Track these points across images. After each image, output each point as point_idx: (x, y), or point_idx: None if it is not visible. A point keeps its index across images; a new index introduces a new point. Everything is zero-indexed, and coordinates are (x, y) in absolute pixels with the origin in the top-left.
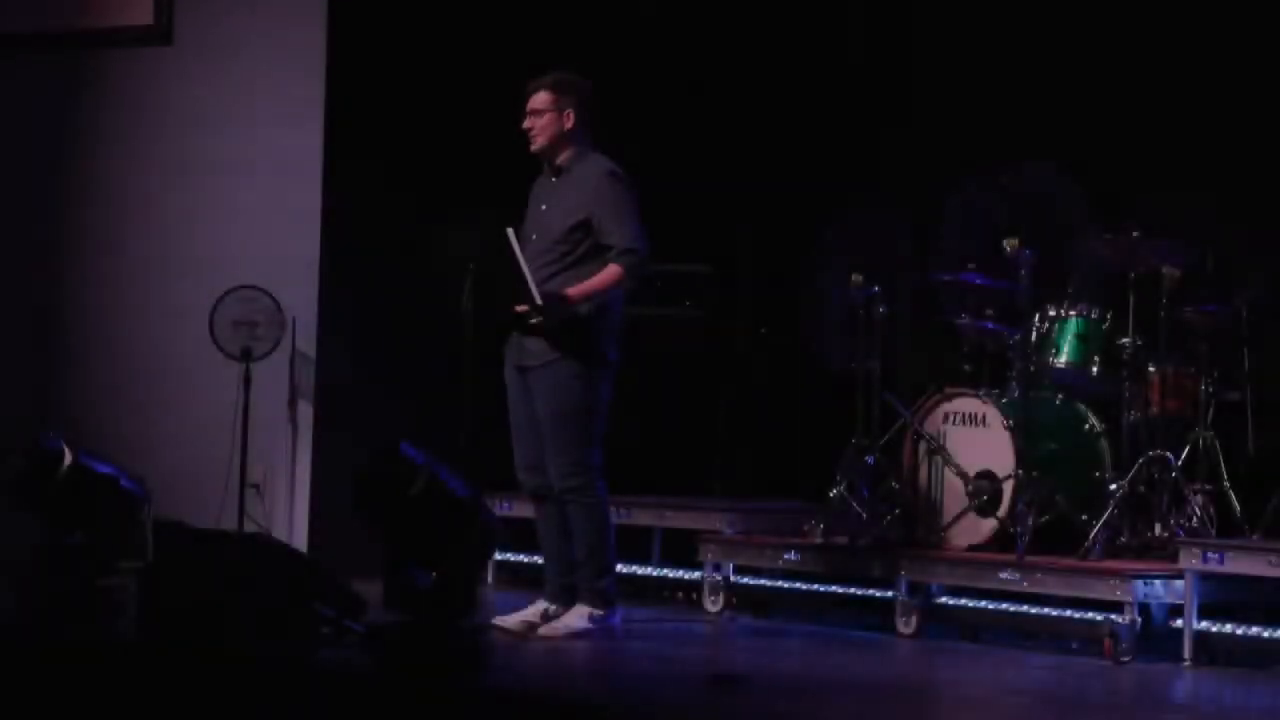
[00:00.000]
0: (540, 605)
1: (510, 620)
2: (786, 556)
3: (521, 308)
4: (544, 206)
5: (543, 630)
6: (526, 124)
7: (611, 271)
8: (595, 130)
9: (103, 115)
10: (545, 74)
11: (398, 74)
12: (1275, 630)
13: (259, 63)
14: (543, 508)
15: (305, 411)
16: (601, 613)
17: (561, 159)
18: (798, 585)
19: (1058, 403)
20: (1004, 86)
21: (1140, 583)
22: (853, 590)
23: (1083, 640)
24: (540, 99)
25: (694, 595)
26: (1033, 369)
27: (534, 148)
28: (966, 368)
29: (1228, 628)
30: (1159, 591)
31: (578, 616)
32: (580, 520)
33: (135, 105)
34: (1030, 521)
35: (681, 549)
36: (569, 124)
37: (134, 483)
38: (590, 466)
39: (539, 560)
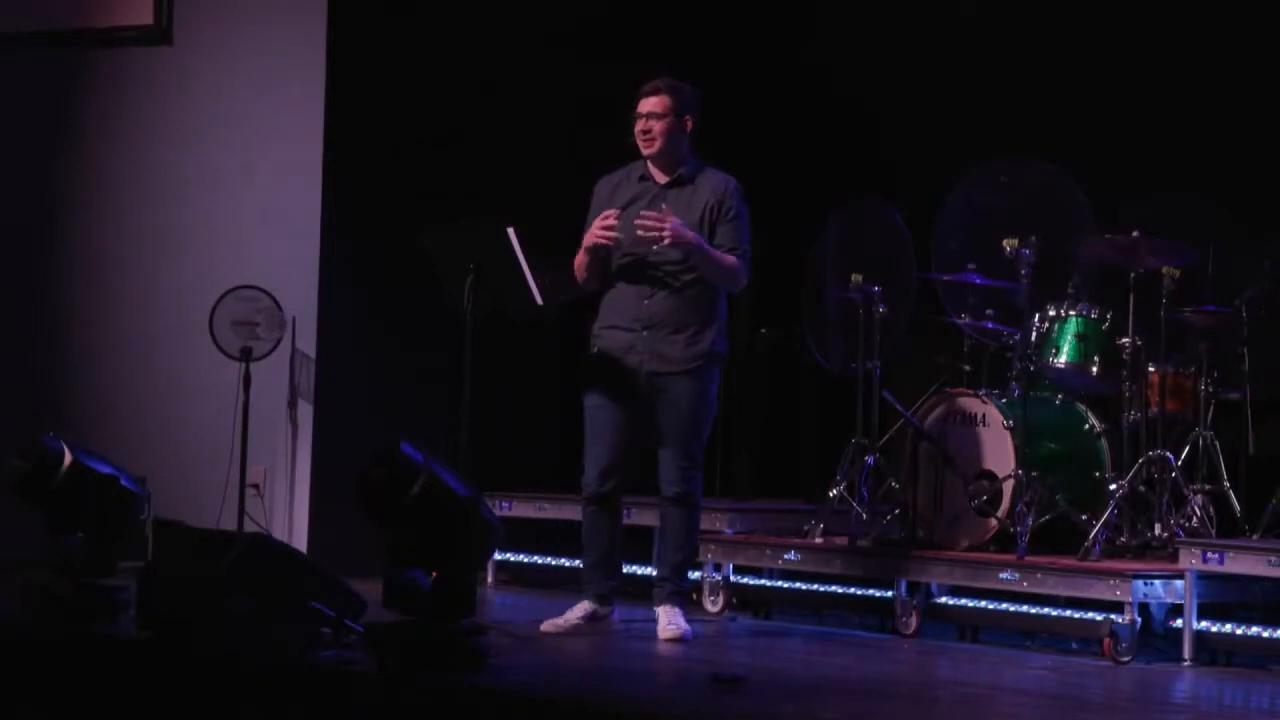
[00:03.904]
0: (587, 606)
1: (559, 623)
2: (786, 556)
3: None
4: (666, 208)
5: (663, 634)
6: (642, 126)
7: (732, 260)
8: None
9: (103, 115)
10: (657, 77)
11: (399, 73)
12: (1275, 630)
13: (259, 62)
14: (597, 511)
15: (305, 411)
16: (686, 612)
17: (683, 167)
18: (798, 585)
19: (1058, 403)
20: (1004, 86)
21: (1140, 583)
22: (853, 590)
23: (1083, 640)
24: (659, 102)
25: (694, 595)
26: (1033, 369)
27: (651, 150)
28: (966, 368)
29: (1228, 628)
30: (1159, 591)
31: (679, 616)
32: (683, 523)
33: (135, 105)
34: (1030, 521)
35: None
36: (689, 129)
37: (134, 483)
38: (702, 468)
39: (539, 560)
